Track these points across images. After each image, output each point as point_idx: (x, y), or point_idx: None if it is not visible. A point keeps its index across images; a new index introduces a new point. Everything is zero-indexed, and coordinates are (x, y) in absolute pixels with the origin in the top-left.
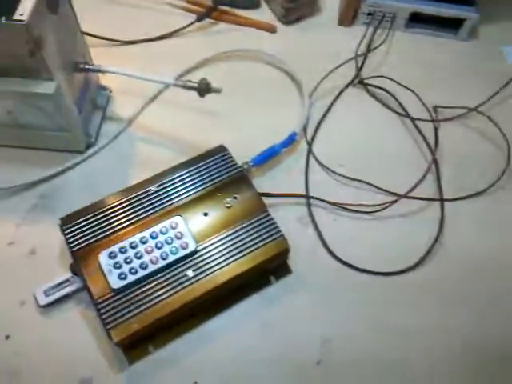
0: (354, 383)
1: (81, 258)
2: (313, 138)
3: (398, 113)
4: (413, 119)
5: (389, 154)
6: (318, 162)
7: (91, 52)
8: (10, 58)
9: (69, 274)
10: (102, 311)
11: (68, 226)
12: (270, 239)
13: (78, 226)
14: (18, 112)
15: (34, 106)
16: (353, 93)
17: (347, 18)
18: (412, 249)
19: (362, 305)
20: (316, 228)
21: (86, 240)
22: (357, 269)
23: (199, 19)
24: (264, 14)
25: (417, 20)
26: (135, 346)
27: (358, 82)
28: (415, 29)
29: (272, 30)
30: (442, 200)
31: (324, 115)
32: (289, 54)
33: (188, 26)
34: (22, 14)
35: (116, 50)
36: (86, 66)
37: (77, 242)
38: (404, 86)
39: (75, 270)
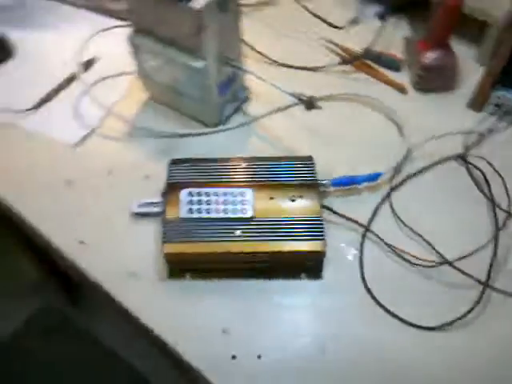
0: None
1: (169, 189)
2: (395, 187)
3: (483, 193)
4: (494, 204)
5: (460, 226)
6: (391, 207)
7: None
8: (180, 34)
9: (159, 199)
10: (166, 229)
11: (173, 165)
12: (311, 237)
13: (178, 168)
14: (178, 78)
15: (187, 75)
16: (451, 163)
17: (478, 103)
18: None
19: (368, 340)
20: (360, 255)
21: (179, 179)
22: (379, 304)
23: (343, 63)
24: (401, 77)
25: None
26: (177, 268)
27: (460, 156)
28: None
29: (402, 90)
30: (485, 285)
31: (416, 173)
32: (406, 113)
33: (332, 65)
34: (197, 4)
35: (262, 65)
36: (234, 63)
37: (172, 178)
38: (499, 174)
39: (164, 196)
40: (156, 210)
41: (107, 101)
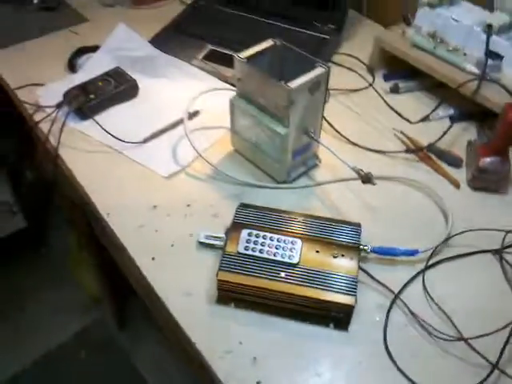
0: None
1: (234, 227)
2: (430, 266)
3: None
4: None
5: (483, 311)
6: (423, 281)
7: (322, 133)
8: (274, 104)
9: (222, 234)
10: (224, 259)
11: (240, 208)
12: (343, 291)
13: (245, 210)
14: (260, 137)
15: (270, 137)
16: (487, 255)
17: None
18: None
19: None
20: (386, 318)
21: (243, 220)
22: (395, 364)
23: (407, 151)
24: (459, 174)
25: None
26: (225, 295)
27: (496, 251)
28: None
29: (456, 184)
30: (494, 366)
31: (453, 257)
32: (455, 204)
33: (395, 152)
34: (292, 84)
35: (336, 140)
36: (311, 135)
37: (238, 218)
38: None
39: (227, 233)
40: (218, 243)
41: (200, 146)
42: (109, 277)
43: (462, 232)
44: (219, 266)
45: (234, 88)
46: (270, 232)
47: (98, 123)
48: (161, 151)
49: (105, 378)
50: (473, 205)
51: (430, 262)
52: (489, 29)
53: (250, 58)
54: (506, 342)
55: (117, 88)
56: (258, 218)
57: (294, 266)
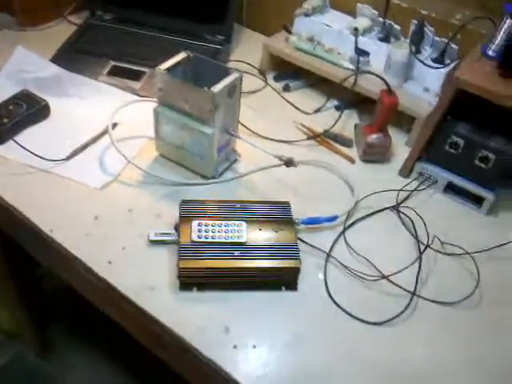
0: None
1: (183, 221)
2: (348, 226)
3: (412, 235)
4: (417, 239)
5: (394, 254)
6: (345, 240)
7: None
8: (199, 109)
9: (172, 230)
10: (181, 250)
11: (184, 204)
12: (290, 257)
13: (188, 205)
14: (187, 140)
15: (197, 139)
16: (387, 212)
17: (405, 171)
18: (381, 313)
19: (331, 332)
20: (325, 274)
21: (189, 213)
22: (339, 306)
23: (308, 138)
24: (351, 152)
25: (453, 189)
26: (186, 282)
27: (394, 207)
28: (450, 195)
29: (351, 160)
30: (413, 294)
31: (363, 217)
32: (355, 176)
33: (299, 140)
34: (214, 89)
35: (248, 136)
36: (232, 132)
37: (184, 213)
38: (421, 217)
39: (176, 227)
40: (170, 238)
41: (127, 155)
42: (29, 305)
43: (365, 197)
44: (178, 256)
45: (148, 99)
46: (217, 219)
47: (19, 144)
48: (88, 165)
49: None
50: (367, 175)
51: (347, 224)
52: (356, 31)
53: (168, 70)
54: (418, 273)
55: (29, 110)
56: (202, 209)
57: (244, 244)
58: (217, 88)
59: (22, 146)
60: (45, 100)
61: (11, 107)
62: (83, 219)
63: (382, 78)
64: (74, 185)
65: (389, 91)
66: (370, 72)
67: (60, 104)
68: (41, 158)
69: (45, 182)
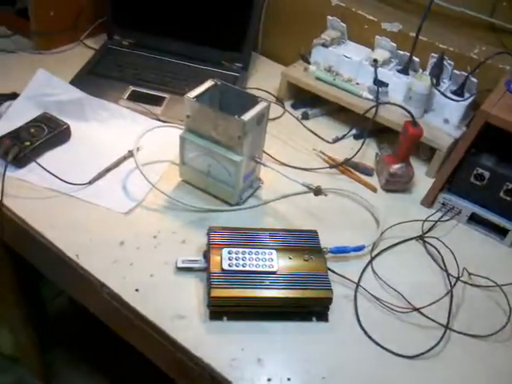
0: None
1: (212, 249)
2: (374, 256)
3: (440, 267)
4: (446, 270)
5: (423, 285)
6: (373, 269)
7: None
8: (227, 137)
9: (200, 257)
10: (212, 278)
11: (211, 231)
12: (321, 287)
13: (216, 233)
14: (213, 167)
15: (224, 166)
16: (413, 242)
17: (428, 201)
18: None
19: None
20: (355, 304)
21: (218, 242)
22: (377, 344)
23: (330, 167)
24: (373, 180)
25: (476, 220)
26: (216, 311)
27: (419, 237)
28: (473, 226)
29: (373, 189)
30: (446, 327)
31: (388, 247)
32: (377, 205)
33: (320, 168)
34: (245, 117)
35: (271, 164)
36: (258, 160)
37: (213, 240)
38: (449, 248)
39: (206, 255)
40: (198, 265)
41: (150, 180)
42: (32, 330)
43: (390, 227)
44: (210, 285)
45: (173, 125)
46: (247, 247)
47: (42, 167)
48: (111, 189)
49: None
50: (390, 204)
51: (374, 253)
52: (375, 62)
53: (197, 97)
54: (450, 306)
55: (50, 133)
56: (231, 237)
57: (275, 273)
58: (247, 116)
59: (45, 169)
60: (66, 123)
61: (32, 130)
62: (109, 245)
63: (408, 110)
64: (98, 209)
65: (413, 122)
66: (394, 104)
67: (81, 127)
68: (64, 181)
69: (68, 206)
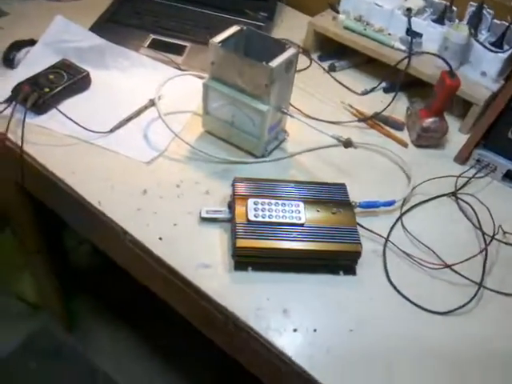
0: None
1: (237, 199)
2: (405, 212)
3: (473, 224)
4: (481, 228)
5: (454, 242)
6: (403, 225)
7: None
8: (254, 85)
9: (224, 208)
10: (237, 229)
11: (237, 182)
12: (350, 240)
13: (242, 184)
14: (238, 116)
15: (249, 115)
16: (445, 198)
17: (461, 157)
18: (444, 302)
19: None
20: (384, 259)
21: (243, 192)
22: (407, 299)
23: (359, 120)
24: (403, 135)
25: (511, 176)
26: (241, 261)
27: (452, 194)
28: (508, 183)
29: (404, 145)
30: (480, 285)
31: (419, 203)
32: (408, 161)
33: (348, 122)
34: (273, 64)
35: (298, 117)
36: (285, 110)
37: (238, 191)
38: (484, 205)
39: (230, 205)
40: (222, 216)
41: (172, 131)
42: (55, 278)
43: (421, 182)
44: (235, 235)
45: (196, 73)
46: (273, 199)
47: (63, 113)
48: (133, 138)
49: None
50: (421, 160)
51: (404, 209)
52: (409, 11)
53: (222, 43)
54: (484, 264)
55: (70, 80)
56: (257, 188)
57: (302, 225)
58: (275, 63)
59: (66, 116)
60: (86, 70)
61: (51, 76)
62: (132, 193)
63: (445, 60)
64: (119, 158)
65: (451, 73)
66: (430, 53)
67: (101, 75)
68: (85, 128)
69: (88, 153)
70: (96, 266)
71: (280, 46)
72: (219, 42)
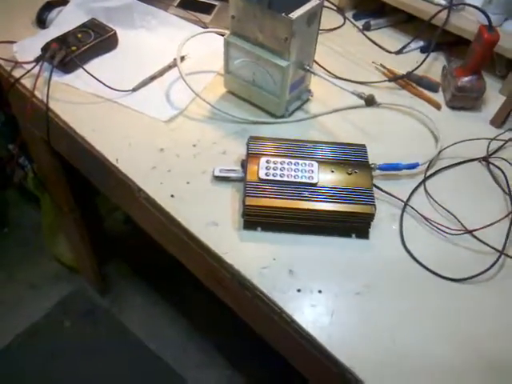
0: None
1: (250, 158)
2: (429, 176)
3: (503, 190)
4: (510, 193)
5: (480, 208)
6: (425, 189)
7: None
8: (274, 39)
9: (238, 167)
10: (248, 187)
11: (252, 140)
12: (364, 202)
13: (256, 142)
14: (258, 74)
15: (269, 72)
16: (475, 163)
17: (498, 120)
18: (462, 269)
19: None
20: (401, 223)
21: (257, 150)
22: (421, 264)
23: (389, 80)
24: (437, 97)
25: None
26: (251, 220)
27: (483, 159)
28: None
29: (437, 106)
30: (501, 252)
31: (447, 166)
32: (440, 123)
33: (379, 81)
34: (293, 15)
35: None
36: (307, 68)
37: (252, 150)
38: None
39: (243, 164)
40: (235, 175)
41: (193, 89)
42: (90, 241)
43: (450, 145)
44: (245, 193)
45: (216, 30)
46: (287, 158)
47: (88, 72)
48: (154, 97)
49: (98, 343)
50: (454, 122)
51: (429, 173)
52: None
53: None
54: (509, 230)
55: (97, 39)
56: (271, 147)
57: (315, 185)
58: (295, 14)
59: (91, 74)
60: (113, 29)
61: (79, 35)
62: (149, 151)
63: (482, 10)
64: (140, 116)
65: (489, 27)
66: (467, 4)
67: (129, 35)
68: (108, 87)
69: (111, 111)
70: (128, 232)
71: None
72: None
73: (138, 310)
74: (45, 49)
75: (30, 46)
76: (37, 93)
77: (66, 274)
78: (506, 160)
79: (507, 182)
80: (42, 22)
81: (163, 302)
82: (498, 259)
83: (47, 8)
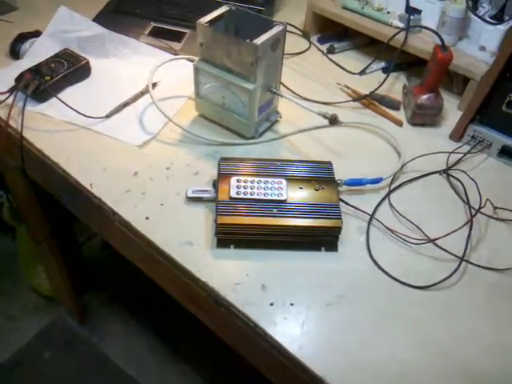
0: None
1: (221, 178)
2: (393, 189)
3: (462, 200)
4: (468, 203)
5: (441, 218)
6: (390, 203)
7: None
8: (241, 64)
9: (210, 187)
10: (219, 206)
11: (223, 161)
12: (331, 216)
13: (227, 163)
14: (228, 98)
15: (238, 96)
16: (436, 176)
17: (457, 134)
18: (426, 277)
19: (372, 294)
20: (367, 236)
21: (228, 170)
22: (388, 274)
23: (354, 100)
24: (399, 114)
25: (507, 153)
26: (224, 239)
27: (443, 171)
28: (504, 159)
29: (399, 123)
30: (461, 259)
31: (409, 180)
32: (402, 139)
33: (343, 102)
34: (258, 41)
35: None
36: (274, 90)
37: (223, 170)
38: (474, 182)
39: (215, 184)
40: (207, 195)
41: (166, 114)
42: (68, 269)
43: (412, 159)
44: (216, 212)
45: (185, 56)
46: (257, 176)
47: (62, 101)
48: (128, 123)
49: (78, 373)
50: (415, 138)
51: (393, 187)
52: None
53: (210, 23)
54: (468, 238)
55: (70, 68)
56: (241, 167)
57: (284, 202)
58: (260, 40)
59: (64, 102)
60: (86, 58)
61: (53, 65)
62: (123, 175)
63: (436, 32)
64: (114, 142)
65: (443, 47)
66: (422, 26)
67: (101, 63)
68: (82, 115)
69: (85, 138)
70: (107, 259)
71: (267, 23)
72: (207, 22)
73: (118, 337)
74: (18, 79)
75: (3, 76)
76: (11, 122)
77: (44, 304)
78: (464, 172)
79: (466, 192)
80: (15, 54)
81: (143, 328)
82: (459, 265)
83: (20, 40)
